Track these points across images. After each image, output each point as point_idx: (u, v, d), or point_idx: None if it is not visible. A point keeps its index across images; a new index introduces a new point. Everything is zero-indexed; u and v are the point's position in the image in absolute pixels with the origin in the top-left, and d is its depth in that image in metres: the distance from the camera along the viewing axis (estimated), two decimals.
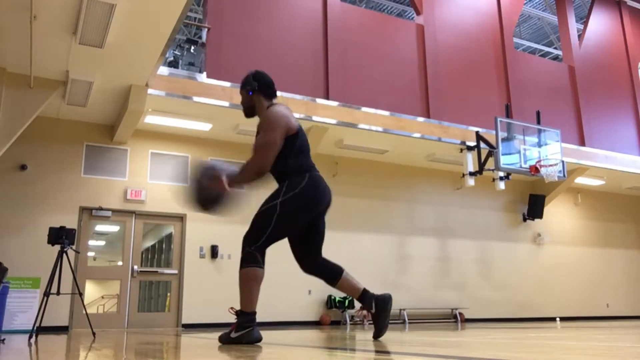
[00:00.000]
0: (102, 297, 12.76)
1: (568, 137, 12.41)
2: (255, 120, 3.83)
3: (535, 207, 12.54)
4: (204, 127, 9.16)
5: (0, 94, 7.02)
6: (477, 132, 10.33)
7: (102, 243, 10.51)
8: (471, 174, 10.38)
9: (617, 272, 13.76)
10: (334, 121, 9.33)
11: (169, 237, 9.54)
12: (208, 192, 3.41)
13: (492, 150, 10.05)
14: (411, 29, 11.35)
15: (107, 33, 6.18)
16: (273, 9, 9.88)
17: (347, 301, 10.00)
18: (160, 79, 8.06)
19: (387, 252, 10.89)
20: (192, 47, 9.99)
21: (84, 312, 6.36)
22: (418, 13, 11.66)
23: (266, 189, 3.69)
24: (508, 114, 10.78)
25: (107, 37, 6.29)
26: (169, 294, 9.14)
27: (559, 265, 12.93)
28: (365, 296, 3.55)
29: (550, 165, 10.13)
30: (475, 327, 6.83)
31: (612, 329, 5.47)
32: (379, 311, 3.45)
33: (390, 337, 4.08)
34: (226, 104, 8.50)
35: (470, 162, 10.48)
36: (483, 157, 10.27)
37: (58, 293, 5.78)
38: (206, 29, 9.11)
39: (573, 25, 13.87)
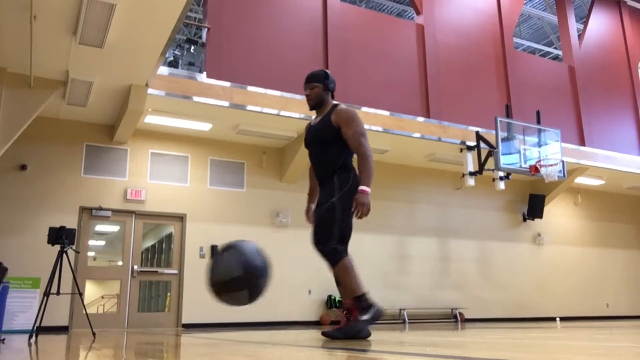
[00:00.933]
0: (102, 297, 12.77)
1: (568, 137, 12.41)
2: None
3: (535, 207, 12.54)
4: (204, 127, 9.16)
5: (0, 94, 7.02)
6: (477, 132, 10.33)
7: (102, 243, 10.52)
8: (471, 174, 10.38)
9: (617, 272, 13.76)
10: None
11: (169, 237, 9.54)
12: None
13: (492, 150, 10.04)
14: (411, 29, 11.34)
15: (107, 33, 6.18)
16: (273, 9, 9.88)
17: None
18: (160, 79, 8.06)
19: (387, 252, 10.89)
20: (192, 47, 9.99)
21: (84, 312, 6.36)
22: (418, 13, 11.66)
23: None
24: (508, 114, 10.78)
25: (107, 37, 6.29)
26: (169, 294, 9.14)
27: (559, 265, 12.93)
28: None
29: (550, 165, 10.13)
30: (475, 327, 6.83)
31: (612, 329, 5.47)
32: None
33: (390, 337, 4.08)
34: (226, 104, 8.50)
35: (470, 162, 10.48)
36: (483, 157, 10.27)
37: (58, 293, 5.78)
38: (206, 29, 9.11)
39: (573, 25, 13.87)
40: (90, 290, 10.27)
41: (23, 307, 7.90)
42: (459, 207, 11.98)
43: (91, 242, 9.01)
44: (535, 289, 12.41)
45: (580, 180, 12.68)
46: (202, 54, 9.34)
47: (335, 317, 10.14)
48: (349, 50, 10.40)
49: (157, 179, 9.26)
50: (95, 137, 8.99)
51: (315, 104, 4.08)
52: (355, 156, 3.84)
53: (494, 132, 10.19)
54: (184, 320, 8.91)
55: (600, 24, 14.44)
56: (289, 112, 8.95)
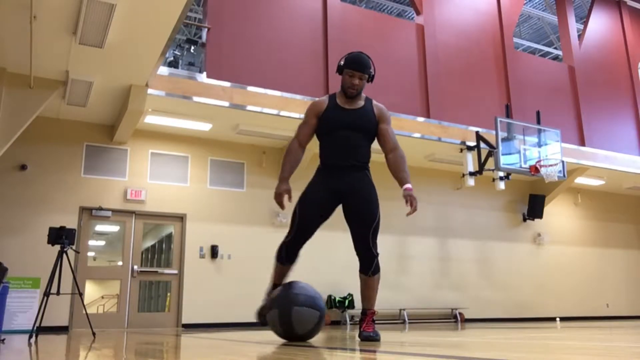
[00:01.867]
0: (102, 297, 12.76)
1: (568, 137, 12.41)
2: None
3: (535, 207, 12.54)
4: (204, 127, 9.16)
5: (0, 94, 7.02)
6: (477, 132, 10.33)
7: (102, 243, 10.51)
8: (471, 174, 10.38)
9: (617, 272, 13.76)
10: None
11: (169, 237, 9.54)
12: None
13: (492, 150, 10.04)
14: (411, 29, 11.34)
15: (107, 33, 6.18)
16: (273, 9, 9.88)
17: (347, 301, 10.00)
18: (160, 79, 8.06)
19: (387, 252, 10.82)
20: (192, 47, 9.99)
21: (84, 312, 6.36)
22: (418, 13, 11.66)
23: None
24: (508, 114, 10.78)
25: (107, 37, 6.29)
26: (169, 294, 9.14)
27: (559, 265, 12.93)
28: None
29: (550, 165, 10.12)
30: (475, 327, 6.83)
31: (612, 329, 5.47)
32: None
33: (390, 337, 4.08)
34: (226, 104, 8.50)
35: (470, 162, 10.48)
36: (483, 157, 10.27)
37: (58, 293, 5.78)
38: (206, 29, 9.11)
39: (573, 25, 13.86)
40: (90, 290, 10.26)
41: (23, 307, 7.90)
42: (459, 207, 11.98)
43: (91, 242, 9.01)
44: (535, 289, 12.40)
45: (580, 180, 12.68)
46: (202, 54, 9.34)
47: (335, 317, 10.14)
48: (349, 50, 10.34)
49: (157, 179, 9.26)
50: (95, 137, 8.99)
51: (358, 94, 3.76)
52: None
53: (494, 132, 10.18)
54: (184, 320, 8.91)
55: (600, 24, 14.44)
56: (288, 112, 8.95)
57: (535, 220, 12.72)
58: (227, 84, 8.63)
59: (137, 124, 8.54)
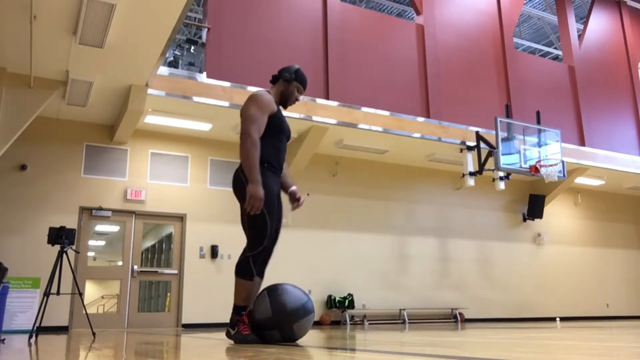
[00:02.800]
0: (102, 297, 12.76)
1: (568, 137, 12.41)
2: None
3: (535, 207, 12.54)
4: (204, 127, 9.16)
5: (0, 94, 7.02)
6: (477, 132, 10.33)
7: (102, 243, 10.51)
8: (471, 174, 10.38)
9: (617, 272, 13.76)
10: (334, 121, 9.33)
11: (169, 237, 9.54)
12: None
13: (492, 150, 10.04)
14: (411, 29, 11.34)
15: (107, 33, 6.18)
16: (273, 9, 9.88)
17: (347, 301, 10.00)
18: (160, 79, 8.06)
19: (387, 252, 10.89)
20: (192, 47, 9.98)
21: (84, 312, 6.36)
22: (418, 13, 11.66)
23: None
24: (508, 114, 10.78)
25: (107, 37, 6.29)
26: (169, 294, 9.14)
27: (559, 265, 12.93)
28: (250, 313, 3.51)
29: (550, 165, 10.13)
30: (475, 327, 6.83)
31: (612, 329, 5.47)
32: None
33: (390, 337, 4.08)
34: (226, 104, 8.50)
35: (470, 162, 10.48)
36: (483, 157, 10.27)
37: (58, 293, 5.78)
38: (206, 29, 9.11)
39: (573, 25, 13.87)
40: (90, 290, 10.27)
41: (23, 307, 7.90)
42: (459, 207, 11.98)
43: (91, 242, 9.01)
44: (535, 289, 12.41)
45: (580, 180, 12.68)
46: (202, 54, 9.34)
47: (335, 317, 10.14)
48: (349, 50, 10.40)
49: (157, 179, 9.26)
50: (95, 137, 8.99)
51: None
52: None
53: (494, 132, 10.19)
54: (184, 320, 8.91)
55: (600, 24, 14.44)
56: (288, 112, 8.94)
57: (535, 220, 12.72)
58: (227, 84, 8.63)
59: (137, 124, 8.54)
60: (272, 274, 6.54)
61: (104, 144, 9.02)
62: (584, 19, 15.30)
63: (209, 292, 9.16)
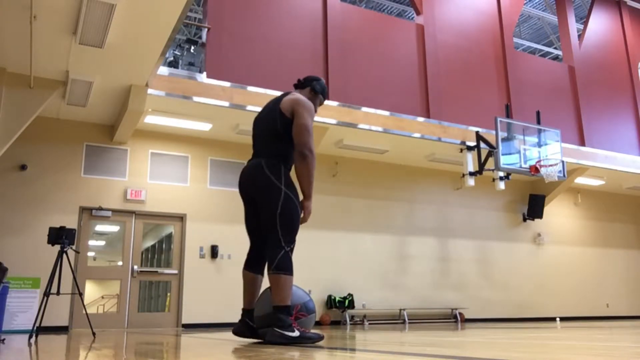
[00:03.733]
0: (102, 297, 12.76)
1: (568, 137, 12.42)
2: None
3: (535, 207, 12.54)
4: (204, 127, 9.16)
5: (0, 94, 7.02)
6: (477, 132, 10.33)
7: (102, 243, 10.50)
8: (471, 174, 10.38)
9: (617, 272, 13.76)
10: (334, 121, 9.33)
11: (169, 237, 9.54)
12: None
13: (492, 150, 10.05)
14: (411, 29, 11.35)
15: (107, 33, 6.18)
16: (273, 9, 9.88)
17: (347, 301, 10.00)
18: (160, 79, 8.06)
19: (387, 252, 10.89)
20: (192, 47, 9.98)
21: (84, 312, 6.36)
22: (418, 13, 11.66)
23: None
24: (508, 114, 10.78)
25: (107, 37, 6.29)
26: (169, 294, 9.14)
27: (559, 265, 12.93)
28: (249, 314, 3.68)
29: (550, 165, 10.13)
30: (475, 327, 6.83)
31: (612, 329, 5.47)
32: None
33: (390, 337, 4.09)
34: (226, 104, 8.50)
35: (470, 162, 10.48)
36: (483, 157, 10.27)
37: (58, 293, 5.78)
38: (206, 29, 9.11)
39: (573, 25, 13.87)
40: (90, 290, 10.27)
41: (23, 307, 7.90)
42: (459, 207, 11.98)
43: (91, 242, 9.01)
44: (535, 289, 12.41)
45: (580, 180, 12.68)
46: (202, 54, 9.34)
47: (335, 317, 10.14)
48: (349, 50, 10.40)
49: (157, 179, 9.26)
50: (95, 137, 8.99)
51: None
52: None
53: (494, 132, 10.19)
54: (184, 320, 8.91)
55: (600, 24, 14.44)
56: None
57: (535, 220, 12.73)
58: (227, 84, 8.63)
59: (137, 124, 8.54)
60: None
61: (104, 144, 9.02)
62: (584, 19, 15.30)
63: (209, 292, 9.16)
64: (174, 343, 3.85)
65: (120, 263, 8.97)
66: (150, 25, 6.24)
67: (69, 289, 6.91)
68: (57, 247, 6.15)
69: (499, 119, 10.02)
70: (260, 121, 3.69)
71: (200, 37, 9.84)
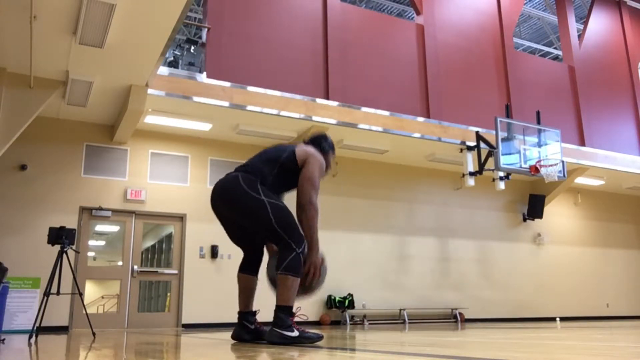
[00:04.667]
0: (102, 297, 12.77)
1: (568, 137, 12.41)
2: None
3: (535, 207, 12.54)
4: (204, 127, 9.16)
5: (0, 94, 7.02)
6: (477, 132, 10.33)
7: (102, 243, 10.51)
8: (471, 174, 10.38)
9: (617, 272, 13.76)
10: (334, 121, 9.33)
11: (169, 237, 9.54)
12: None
13: (492, 150, 10.04)
14: (411, 29, 11.34)
15: (107, 33, 6.18)
16: (273, 9, 9.88)
17: (347, 301, 10.00)
18: (160, 79, 8.06)
19: (387, 252, 10.89)
20: (192, 47, 9.99)
21: (84, 312, 6.36)
22: (418, 13, 11.66)
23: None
24: (508, 114, 10.78)
25: (107, 37, 6.29)
26: (169, 294, 9.14)
27: (559, 265, 12.93)
28: (246, 316, 3.65)
29: (550, 165, 10.13)
30: (475, 327, 6.83)
31: (612, 329, 5.48)
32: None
33: (390, 337, 4.09)
34: (226, 104, 8.50)
35: (470, 162, 10.48)
36: (483, 157, 10.27)
37: (58, 293, 5.78)
38: (206, 29, 9.11)
39: (573, 25, 13.87)
40: (90, 290, 10.27)
41: (23, 307, 7.90)
42: (459, 207, 11.98)
43: (91, 242, 9.01)
44: (535, 289, 12.41)
45: (580, 180, 12.68)
46: (202, 54, 9.34)
47: (335, 317, 10.14)
48: (349, 50, 10.40)
49: (157, 179, 9.26)
50: (95, 137, 8.99)
51: None
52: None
53: (494, 132, 10.19)
54: (184, 320, 8.91)
55: (600, 24, 14.44)
56: (289, 112, 8.95)
57: (535, 220, 12.72)
58: (227, 84, 8.63)
59: (137, 124, 8.54)
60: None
61: (104, 144, 9.02)
62: (584, 19, 15.29)
63: (209, 292, 9.16)
64: (174, 343, 3.85)
65: (120, 263, 8.97)
66: (150, 25, 6.24)
67: (69, 289, 6.91)
68: (57, 247, 6.14)
69: (499, 119, 10.02)
70: (265, 151, 3.70)
71: (200, 37, 9.84)
